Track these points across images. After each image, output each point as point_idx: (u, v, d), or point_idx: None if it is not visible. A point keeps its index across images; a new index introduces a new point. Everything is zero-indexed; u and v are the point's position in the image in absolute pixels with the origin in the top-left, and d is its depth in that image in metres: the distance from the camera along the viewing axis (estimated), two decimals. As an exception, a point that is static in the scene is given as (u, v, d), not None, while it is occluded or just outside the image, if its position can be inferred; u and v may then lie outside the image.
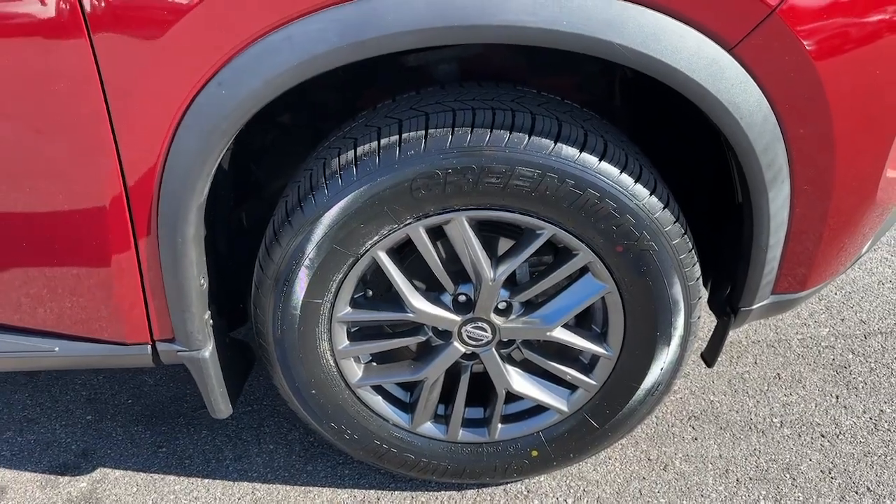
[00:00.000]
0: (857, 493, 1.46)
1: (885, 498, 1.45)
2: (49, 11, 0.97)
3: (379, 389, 1.39)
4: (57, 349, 1.26)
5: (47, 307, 1.22)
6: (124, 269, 1.17)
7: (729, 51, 1.02)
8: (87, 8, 0.96)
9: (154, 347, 1.27)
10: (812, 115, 1.09)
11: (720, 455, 1.55)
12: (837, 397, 1.69)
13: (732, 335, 1.86)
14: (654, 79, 1.05)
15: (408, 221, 1.17)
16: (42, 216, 1.12)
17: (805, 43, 1.02)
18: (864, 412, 1.65)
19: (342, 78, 1.22)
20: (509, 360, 1.37)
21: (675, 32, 1.00)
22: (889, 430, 1.60)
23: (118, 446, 1.61)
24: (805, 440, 1.58)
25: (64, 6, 0.96)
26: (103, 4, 0.97)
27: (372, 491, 1.49)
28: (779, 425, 1.62)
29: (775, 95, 1.06)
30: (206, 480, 1.52)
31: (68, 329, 1.25)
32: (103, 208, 1.11)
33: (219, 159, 1.09)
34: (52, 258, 1.17)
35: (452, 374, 1.39)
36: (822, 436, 1.60)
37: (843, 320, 1.94)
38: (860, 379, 1.74)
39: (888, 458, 1.53)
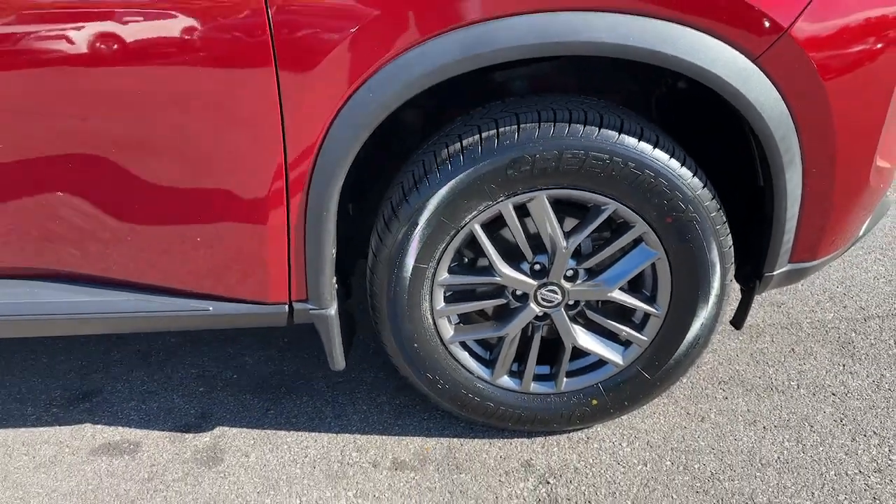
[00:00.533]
0: (865, 435, 1.74)
1: (889, 439, 1.72)
2: (244, 36, 1.28)
3: (465, 346, 1.67)
4: (211, 308, 1.54)
5: (207, 272, 1.51)
6: (277, 238, 1.46)
7: (754, 61, 1.34)
8: (275, 35, 1.28)
9: (291, 307, 1.55)
10: (817, 112, 1.41)
11: (748, 409, 1.83)
12: (844, 366, 1.98)
13: (750, 320, 2.16)
14: (685, 97, 1.37)
15: (500, 199, 1.47)
16: (217, 194, 1.42)
17: (811, 56, 1.35)
18: (868, 376, 1.94)
19: (425, 101, 1.52)
20: (574, 320, 1.65)
21: (714, 47, 1.32)
22: (890, 389, 1.89)
23: (231, 410, 1.87)
24: (819, 398, 1.86)
25: (257, 38, 1.27)
26: (287, 33, 1.28)
27: (455, 438, 1.75)
28: (796, 387, 1.90)
29: (789, 95, 1.38)
30: (313, 434, 1.78)
31: (222, 291, 1.53)
32: (267, 188, 1.40)
33: (358, 149, 1.40)
34: (218, 230, 1.46)
35: (523, 339, 1.68)
36: (833, 394, 1.88)
37: (845, 307, 2.23)
38: (863, 352, 2.03)
39: (890, 409, 1.81)
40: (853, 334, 2.11)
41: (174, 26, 1.27)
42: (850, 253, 2.52)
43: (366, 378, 1.97)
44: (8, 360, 2.08)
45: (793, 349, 2.05)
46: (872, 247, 2.56)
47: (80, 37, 1.26)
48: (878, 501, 1.56)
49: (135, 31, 1.27)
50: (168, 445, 1.76)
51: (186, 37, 1.27)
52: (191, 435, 1.79)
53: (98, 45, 1.27)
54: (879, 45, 1.40)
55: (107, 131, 1.35)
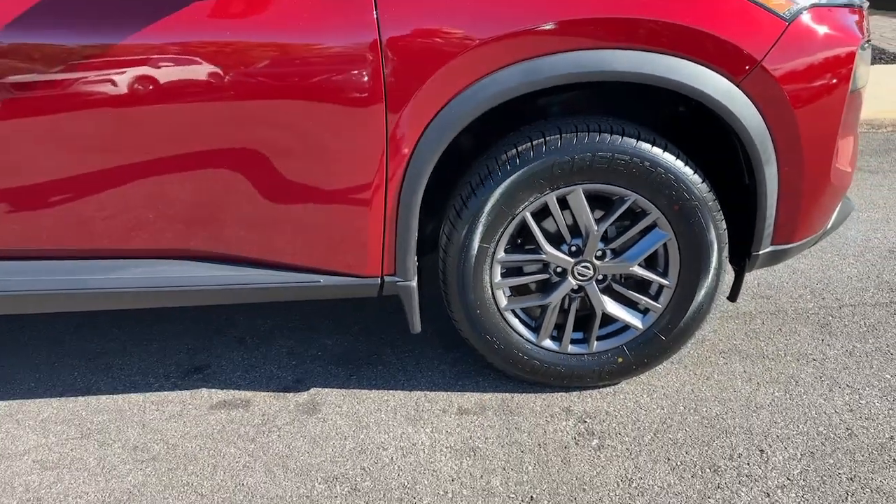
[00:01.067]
0: (840, 387, 2.15)
1: (859, 390, 2.13)
2: (365, 74, 1.74)
3: (515, 314, 2.09)
4: (321, 281, 1.96)
5: (321, 251, 1.94)
6: (376, 223, 1.89)
7: (737, 84, 1.81)
8: (386, 75, 1.74)
9: (382, 280, 1.98)
10: (786, 123, 1.87)
11: (744, 371, 2.24)
12: (822, 340, 2.40)
13: (743, 308, 2.58)
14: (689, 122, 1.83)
15: (546, 192, 1.92)
16: (335, 190, 1.86)
17: (779, 80, 1.81)
18: (842, 347, 2.35)
19: (475, 126, 1.96)
20: (603, 291, 2.08)
21: (707, 74, 1.79)
22: (859, 356, 2.30)
23: (320, 377, 2.27)
24: (802, 362, 2.27)
25: (372, 75, 1.74)
26: (395, 72, 1.74)
27: (507, 393, 2.16)
28: (783, 356, 2.32)
29: (765, 110, 1.84)
30: (391, 391, 2.18)
31: (330, 266, 1.96)
32: (371, 184, 1.84)
33: (441, 153, 1.84)
34: (332, 217, 1.89)
35: (561, 311, 2.10)
36: (814, 360, 2.29)
37: (823, 298, 2.66)
38: (838, 331, 2.45)
39: (860, 369, 2.23)
40: (830, 318, 2.53)
41: (319, 71, 1.74)
42: (827, 258, 2.96)
43: (427, 353, 2.38)
44: (123, 347, 2.48)
45: (780, 329, 2.47)
46: (846, 254, 3.00)
47: (257, 78, 1.74)
48: (850, 431, 1.96)
49: (289, 73, 1.74)
50: (273, 401, 2.16)
51: (329, 77, 1.74)
52: (291, 394, 2.20)
53: (265, 82, 1.74)
54: (833, 79, 1.88)
55: (259, 140, 1.80)
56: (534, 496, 1.78)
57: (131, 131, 1.81)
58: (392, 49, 1.74)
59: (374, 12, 1.73)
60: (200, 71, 1.74)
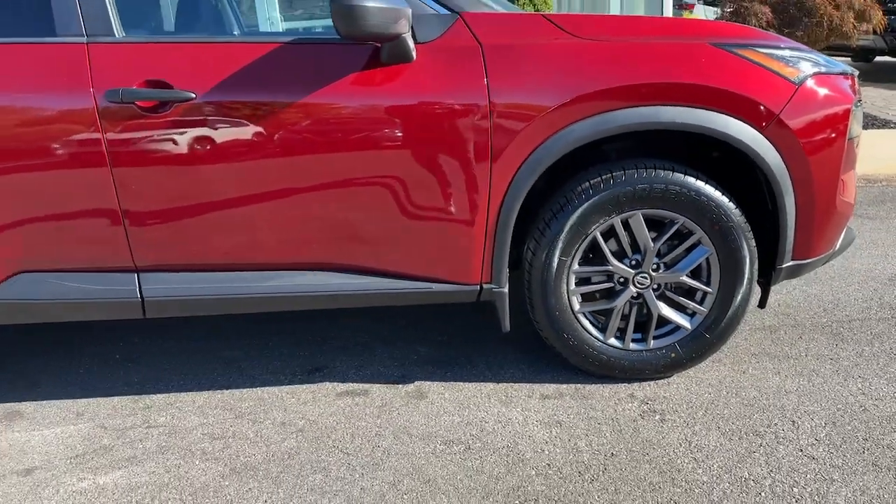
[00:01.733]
0: (853, 378, 2.61)
1: (870, 378, 2.60)
2: (471, 125, 2.29)
3: (586, 316, 2.58)
4: (433, 287, 2.47)
5: (433, 262, 2.44)
6: (480, 240, 2.41)
7: (760, 132, 2.35)
8: (493, 127, 2.29)
9: (481, 287, 2.48)
10: (800, 163, 2.40)
11: (773, 367, 2.71)
12: (836, 345, 2.87)
13: (768, 322, 3.07)
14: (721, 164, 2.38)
15: (613, 216, 2.44)
16: (449, 213, 2.38)
17: (794, 130, 2.36)
18: (853, 350, 2.82)
19: (548, 172, 2.50)
20: (658, 298, 2.57)
21: (736, 124, 2.33)
22: (868, 356, 2.77)
23: (421, 374, 2.75)
24: (820, 361, 2.74)
25: (480, 132, 2.29)
26: (500, 124, 2.29)
27: (579, 384, 2.62)
28: (804, 356, 2.79)
29: (783, 152, 2.37)
30: (482, 383, 2.65)
31: (440, 275, 2.46)
32: (477, 209, 2.37)
33: (531, 185, 2.37)
34: (446, 234, 2.40)
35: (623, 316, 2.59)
36: (831, 359, 2.76)
37: (835, 315, 3.14)
38: (849, 338, 2.93)
39: (869, 365, 2.69)
40: (842, 329, 3.01)
41: (443, 124, 2.29)
42: (836, 284, 3.46)
43: (508, 356, 2.85)
44: (247, 354, 2.96)
45: (800, 337, 2.95)
46: (852, 281, 3.50)
47: (393, 129, 2.28)
48: (863, 407, 2.43)
49: (417, 125, 2.28)
50: (387, 391, 2.63)
51: (449, 129, 2.28)
52: (400, 385, 2.66)
53: (398, 133, 2.28)
54: (834, 129, 2.42)
55: (392, 177, 2.32)
56: (614, 452, 2.23)
57: (295, 171, 2.34)
58: (498, 108, 2.29)
59: (485, 79, 2.29)
60: (350, 126, 2.29)
